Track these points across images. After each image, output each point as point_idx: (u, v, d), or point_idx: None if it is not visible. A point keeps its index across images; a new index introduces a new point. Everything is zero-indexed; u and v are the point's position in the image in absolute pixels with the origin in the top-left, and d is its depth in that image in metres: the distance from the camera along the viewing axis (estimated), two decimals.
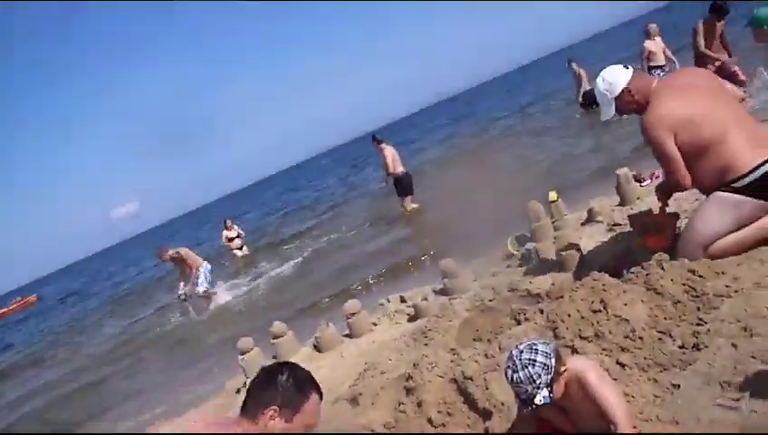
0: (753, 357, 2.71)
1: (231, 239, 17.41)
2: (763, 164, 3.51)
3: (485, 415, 3.22)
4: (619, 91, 3.90)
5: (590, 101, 16.29)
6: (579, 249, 4.75)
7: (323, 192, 30.12)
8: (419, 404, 3.47)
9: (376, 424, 3.58)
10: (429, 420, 3.37)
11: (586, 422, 2.59)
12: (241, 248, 17.58)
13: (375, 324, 5.78)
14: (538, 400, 2.42)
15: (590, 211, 5.95)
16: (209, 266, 12.62)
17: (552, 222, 6.05)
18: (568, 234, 5.40)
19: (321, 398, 2.39)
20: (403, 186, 13.33)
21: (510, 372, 2.48)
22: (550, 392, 2.43)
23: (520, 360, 2.45)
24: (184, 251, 12.54)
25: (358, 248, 12.51)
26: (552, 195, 6.20)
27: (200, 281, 12.28)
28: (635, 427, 2.53)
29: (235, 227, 17.61)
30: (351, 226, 15.33)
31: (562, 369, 2.49)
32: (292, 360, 5.70)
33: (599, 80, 4.02)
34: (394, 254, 10.46)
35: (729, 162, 3.57)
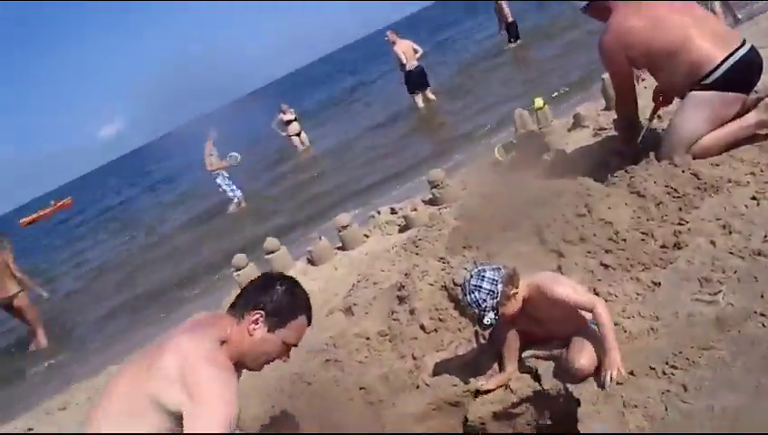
0: (730, 253, 2.81)
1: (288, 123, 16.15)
2: (728, 58, 3.54)
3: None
4: None
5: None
6: (565, 154, 4.79)
7: None
8: (412, 312, 3.58)
9: (370, 332, 3.69)
10: (422, 327, 3.48)
11: (555, 326, 2.77)
12: (299, 134, 16.38)
13: (367, 236, 5.87)
14: (486, 320, 2.63)
15: (576, 116, 5.96)
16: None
17: (539, 129, 6.06)
18: (554, 140, 5.42)
19: (309, 323, 2.36)
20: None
21: (461, 295, 2.72)
22: (496, 315, 2.62)
23: (468, 285, 2.65)
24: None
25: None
26: (538, 101, 6.17)
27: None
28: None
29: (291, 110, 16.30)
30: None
31: (512, 292, 2.64)
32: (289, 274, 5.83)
33: None
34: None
35: (696, 61, 3.58)
